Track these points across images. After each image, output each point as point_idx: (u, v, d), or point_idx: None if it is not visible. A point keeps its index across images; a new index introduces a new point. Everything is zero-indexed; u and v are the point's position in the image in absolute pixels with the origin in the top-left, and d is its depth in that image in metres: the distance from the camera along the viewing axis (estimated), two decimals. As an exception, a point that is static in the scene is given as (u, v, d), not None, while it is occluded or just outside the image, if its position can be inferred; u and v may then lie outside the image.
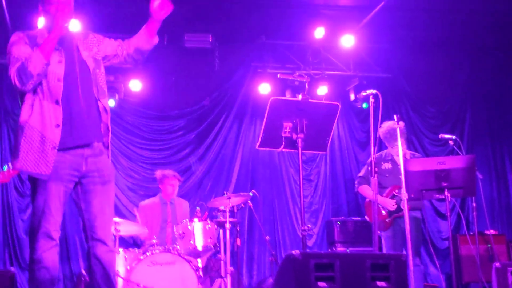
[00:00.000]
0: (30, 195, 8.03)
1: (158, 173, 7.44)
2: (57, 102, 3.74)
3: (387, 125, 5.85)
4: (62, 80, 3.76)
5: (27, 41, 3.83)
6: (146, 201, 7.37)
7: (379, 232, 6.56)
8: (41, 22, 7.53)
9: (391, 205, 6.26)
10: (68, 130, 3.77)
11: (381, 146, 8.22)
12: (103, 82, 4.02)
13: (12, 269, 3.65)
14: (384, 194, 6.35)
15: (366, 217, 6.51)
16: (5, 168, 6.22)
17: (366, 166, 6.34)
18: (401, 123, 6.71)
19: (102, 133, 3.93)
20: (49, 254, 3.79)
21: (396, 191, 5.80)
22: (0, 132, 8.26)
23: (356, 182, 6.70)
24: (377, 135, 5.10)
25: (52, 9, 3.85)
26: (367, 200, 6.29)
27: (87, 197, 3.92)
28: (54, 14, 3.81)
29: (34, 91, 3.75)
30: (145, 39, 4.08)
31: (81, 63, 3.91)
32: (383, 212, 6.41)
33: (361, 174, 6.46)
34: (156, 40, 4.11)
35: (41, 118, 3.71)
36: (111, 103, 8.30)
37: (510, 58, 9.33)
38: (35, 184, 3.78)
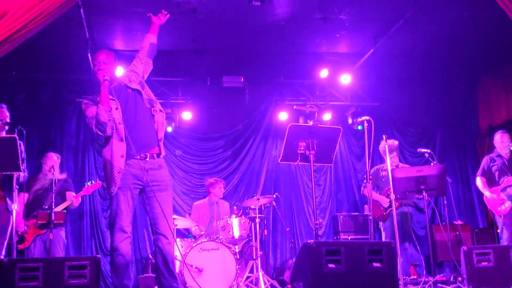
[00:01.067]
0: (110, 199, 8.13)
1: (209, 180, 7.45)
2: (121, 140, 3.90)
3: (383, 143, 5.81)
4: (122, 122, 3.89)
5: (92, 104, 3.97)
6: (198, 202, 7.39)
7: (379, 223, 6.53)
8: (118, 71, 7.69)
9: (385, 202, 6.28)
10: (131, 151, 3.90)
11: (373, 158, 8.21)
12: (151, 93, 4.17)
13: (98, 256, 3.65)
14: (382, 194, 6.38)
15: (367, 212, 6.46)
16: (89, 183, 6.34)
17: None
18: (395, 141, 6.70)
19: (158, 142, 4.05)
20: (123, 244, 3.88)
21: (390, 192, 5.75)
22: (88, 154, 8.34)
23: (362, 186, 6.72)
24: (371, 150, 5.06)
25: (96, 69, 4.04)
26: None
27: (150, 201, 4.01)
28: (97, 73, 3.98)
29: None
30: (150, 37, 4.30)
31: (133, 93, 4.06)
32: (381, 207, 6.39)
33: (365, 181, 6.45)
34: (155, 39, 4.31)
35: (111, 152, 3.89)
36: (169, 129, 8.37)
37: (470, 91, 9.25)
38: (111, 200, 3.96)
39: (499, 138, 6.51)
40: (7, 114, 5.07)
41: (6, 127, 4.94)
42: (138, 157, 3.91)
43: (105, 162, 3.94)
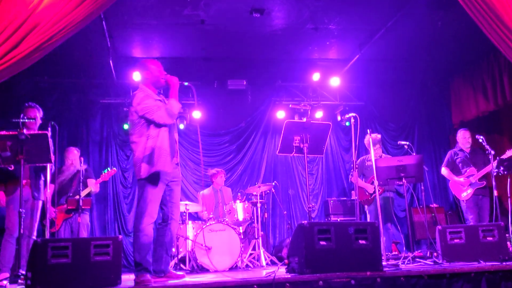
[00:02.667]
0: (130, 187, 8.12)
1: (211, 171, 7.45)
2: (170, 136, 4.04)
3: (367, 137, 5.81)
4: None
5: (152, 97, 4.01)
6: (204, 190, 7.39)
7: (365, 206, 6.54)
8: (136, 76, 7.68)
9: (370, 188, 6.27)
10: (174, 148, 4.10)
11: (359, 150, 8.18)
12: None
13: (120, 236, 3.65)
14: (367, 181, 6.37)
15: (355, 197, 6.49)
16: (106, 171, 6.34)
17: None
18: (378, 135, 6.74)
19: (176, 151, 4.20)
20: (149, 227, 3.92)
21: (374, 179, 5.74)
22: (111, 148, 8.33)
23: (350, 175, 6.76)
24: (357, 143, 5.05)
25: (164, 74, 4.10)
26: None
27: (171, 193, 4.13)
28: (169, 80, 4.07)
29: (158, 126, 3.93)
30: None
31: None
32: (367, 193, 6.38)
33: (352, 170, 6.45)
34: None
35: (160, 142, 3.93)
36: (181, 126, 8.36)
37: (443, 91, 9.20)
38: (146, 183, 3.88)
39: (461, 134, 6.76)
40: (38, 113, 4.98)
41: (38, 123, 4.89)
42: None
43: (153, 149, 3.86)
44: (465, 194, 6.43)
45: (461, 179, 6.47)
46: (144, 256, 3.84)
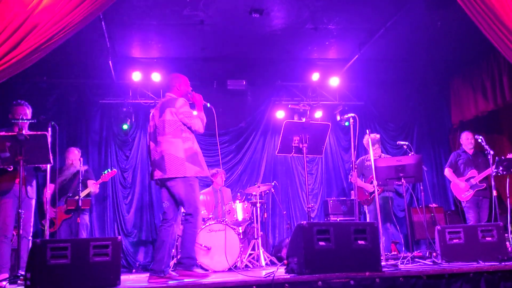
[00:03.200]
0: (130, 187, 8.09)
1: (212, 171, 7.44)
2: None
3: (366, 137, 5.80)
4: None
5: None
6: (204, 190, 7.38)
7: (364, 206, 6.55)
8: (135, 76, 7.68)
9: (370, 188, 6.29)
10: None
11: (359, 150, 8.19)
12: None
13: (119, 237, 3.65)
14: (366, 181, 6.38)
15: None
16: (105, 172, 6.34)
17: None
18: (377, 135, 6.77)
19: None
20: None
21: (373, 179, 5.74)
22: (110, 148, 8.32)
23: (349, 175, 6.78)
24: (356, 143, 5.05)
25: (190, 90, 4.51)
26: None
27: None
28: (194, 96, 4.50)
29: (191, 133, 4.32)
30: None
31: None
32: (366, 193, 6.39)
33: (352, 170, 6.46)
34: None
35: (197, 146, 4.35)
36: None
37: (443, 91, 9.20)
38: (189, 180, 4.14)
39: (464, 136, 6.85)
40: (28, 110, 4.87)
41: (27, 123, 4.75)
42: None
43: (195, 152, 4.21)
44: (465, 195, 6.50)
45: (462, 183, 6.52)
46: (159, 256, 4.07)
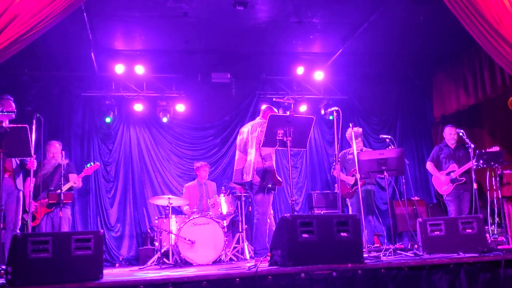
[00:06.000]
0: (113, 181, 8.04)
1: (196, 164, 7.44)
2: None
3: (349, 130, 5.83)
4: None
5: None
6: (189, 184, 7.37)
7: (347, 199, 6.60)
8: (118, 68, 7.60)
9: (351, 181, 6.33)
10: None
11: (343, 143, 8.24)
12: None
13: (101, 230, 3.62)
14: (348, 174, 6.42)
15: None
16: (88, 165, 6.28)
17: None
18: (360, 129, 6.80)
19: None
20: None
21: (355, 172, 5.79)
22: (92, 142, 8.23)
23: (332, 168, 6.82)
24: (339, 136, 5.08)
25: None
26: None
27: None
28: None
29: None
30: None
31: None
32: (348, 186, 6.43)
33: (334, 163, 6.50)
34: None
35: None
36: (164, 120, 8.29)
37: (425, 85, 9.30)
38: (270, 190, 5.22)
39: (447, 130, 6.93)
40: (14, 105, 4.97)
41: (13, 116, 4.72)
42: None
43: (271, 167, 5.12)
44: (445, 188, 6.61)
45: (442, 176, 6.62)
46: None
